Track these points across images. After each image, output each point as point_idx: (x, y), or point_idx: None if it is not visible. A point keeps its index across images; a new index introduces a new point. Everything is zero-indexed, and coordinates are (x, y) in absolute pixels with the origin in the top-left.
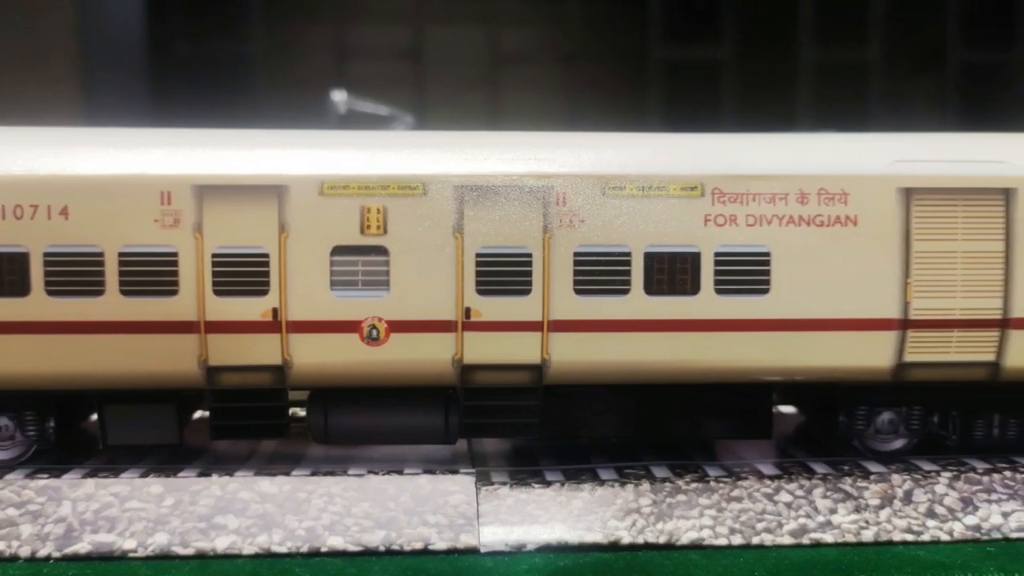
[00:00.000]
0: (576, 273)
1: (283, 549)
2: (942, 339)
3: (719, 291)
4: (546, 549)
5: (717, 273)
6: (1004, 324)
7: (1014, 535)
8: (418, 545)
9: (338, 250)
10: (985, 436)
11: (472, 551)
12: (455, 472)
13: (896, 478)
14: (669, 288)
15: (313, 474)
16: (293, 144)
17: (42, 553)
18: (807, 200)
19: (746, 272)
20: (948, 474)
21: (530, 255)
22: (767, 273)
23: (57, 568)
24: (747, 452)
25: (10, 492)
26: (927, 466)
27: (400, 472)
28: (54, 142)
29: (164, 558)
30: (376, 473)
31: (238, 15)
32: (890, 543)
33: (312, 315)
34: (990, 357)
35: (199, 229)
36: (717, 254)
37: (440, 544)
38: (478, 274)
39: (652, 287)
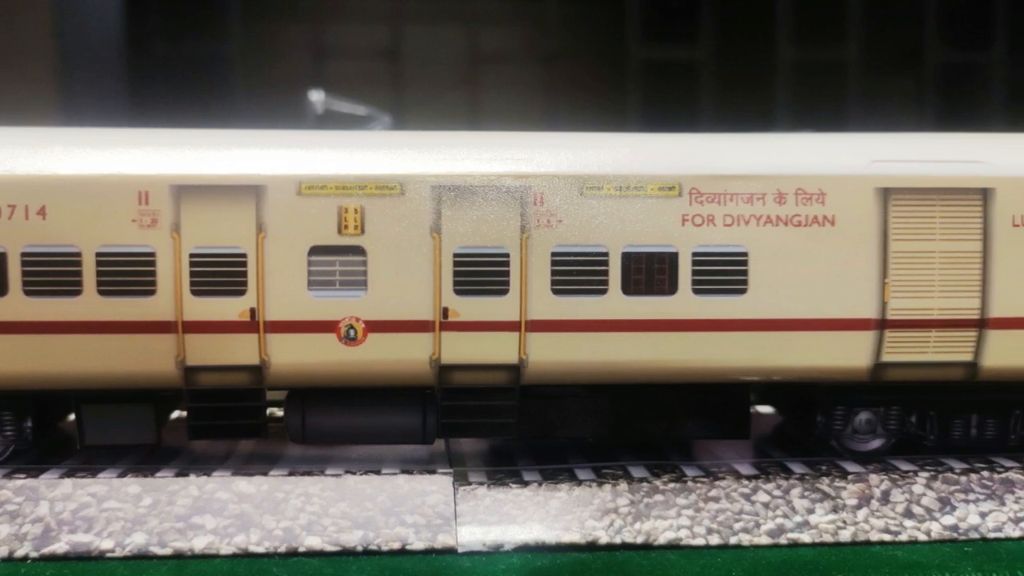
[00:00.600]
0: (554, 273)
1: (261, 549)
2: (920, 339)
3: (697, 291)
4: (524, 549)
5: (695, 273)
6: (982, 324)
7: (991, 535)
8: (396, 545)
9: (316, 250)
10: (963, 436)
11: (450, 551)
12: (432, 472)
13: (874, 478)
14: (647, 288)
15: (291, 474)
16: (271, 144)
17: (19, 553)
18: (785, 200)
19: (724, 272)
20: (926, 474)
21: (507, 255)
22: (745, 273)
23: (35, 568)
24: (725, 452)
25: None
26: (905, 466)
27: (378, 472)
28: (31, 142)
29: (142, 558)
30: (353, 473)
31: (216, 15)
32: (867, 543)
33: (290, 315)
34: (968, 357)
35: (177, 229)
36: (695, 254)
37: (418, 544)
38: (456, 274)
39: (630, 287)
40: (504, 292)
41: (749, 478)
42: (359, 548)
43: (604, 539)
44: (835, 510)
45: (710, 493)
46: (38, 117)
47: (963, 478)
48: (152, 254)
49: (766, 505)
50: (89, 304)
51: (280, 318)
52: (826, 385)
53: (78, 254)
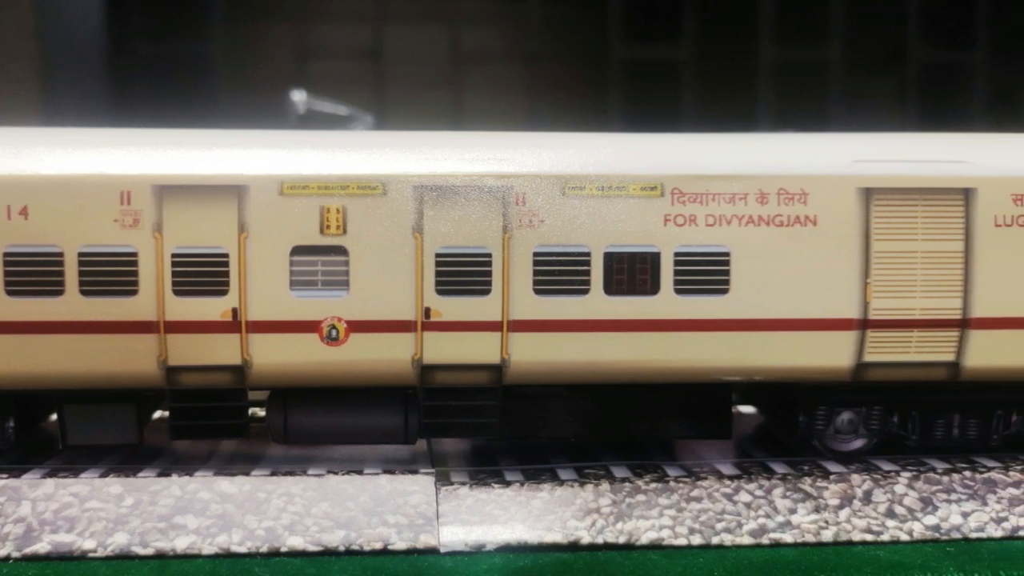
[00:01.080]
0: (536, 273)
1: (243, 549)
2: (902, 339)
3: (679, 291)
4: (505, 549)
5: (677, 273)
6: (964, 324)
7: (973, 535)
8: (378, 545)
9: (298, 250)
10: (945, 436)
11: (432, 551)
12: (415, 472)
13: (856, 478)
14: (629, 288)
15: (273, 474)
16: (253, 144)
17: (1, 553)
18: (767, 200)
19: (706, 272)
20: (908, 474)
21: (490, 255)
22: (727, 273)
23: (17, 568)
24: (707, 452)
25: None
26: (887, 466)
27: (360, 472)
28: (13, 142)
29: (124, 558)
30: (336, 473)
31: (198, 15)
32: (850, 543)
33: (272, 315)
34: (950, 357)
35: (159, 229)
36: (677, 254)
37: (400, 544)
38: (438, 274)
39: (612, 287)
40: (486, 292)
41: (731, 478)
42: (341, 548)
43: (586, 539)
44: (817, 510)
45: (692, 493)
46: (20, 117)
47: (945, 478)
48: (134, 254)
49: (748, 505)
50: (71, 304)
51: (262, 318)
52: (808, 385)
53: (60, 254)
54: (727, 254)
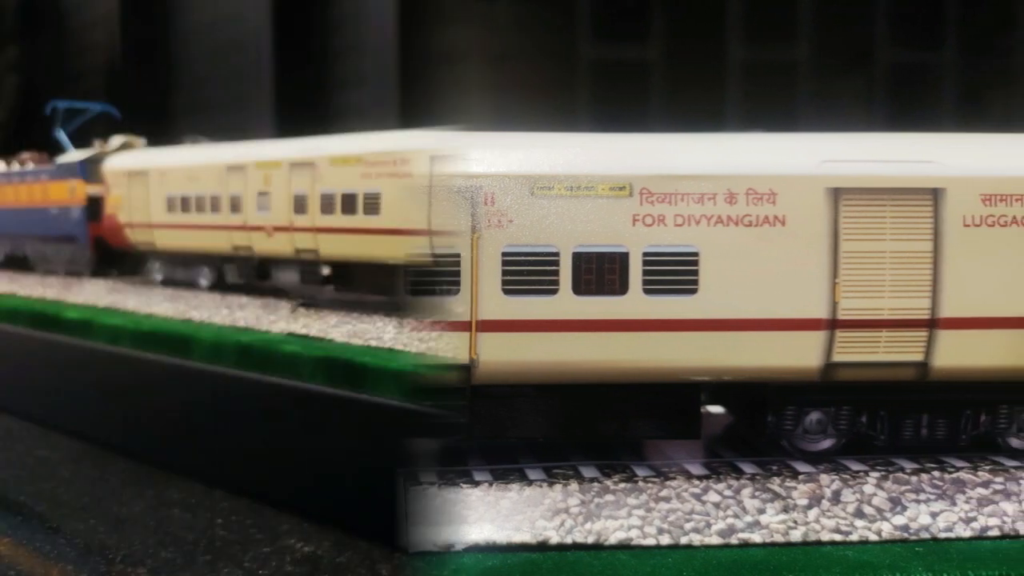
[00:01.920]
0: (504, 273)
1: None
2: (870, 339)
3: (647, 291)
4: (474, 549)
5: (645, 273)
6: (932, 324)
7: (942, 535)
8: None
9: None
10: (913, 436)
11: (400, 551)
12: None
13: (824, 478)
14: (597, 288)
15: None
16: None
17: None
18: (735, 200)
19: (674, 272)
20: (876, 474)
21: (458, 255)
22: (695, 273)
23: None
24: (675, 452)
25: None
26: (855, 466)
27: None
28: None
29: None
30: None
31: None
32: (818, 543)
33: None
34: (918, 357)
35: None
36: (645, 254)
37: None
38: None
39: (580, 287)
40: (455, 292)
41: (700, 478)
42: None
43: (555, 539)
44: (786, 510)
45: (661, 493)
46: None
47: (914, 478)
48: None
49: (717, 505)
50: None
51: None
52: (777, 385)
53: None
54: (696, 254)
